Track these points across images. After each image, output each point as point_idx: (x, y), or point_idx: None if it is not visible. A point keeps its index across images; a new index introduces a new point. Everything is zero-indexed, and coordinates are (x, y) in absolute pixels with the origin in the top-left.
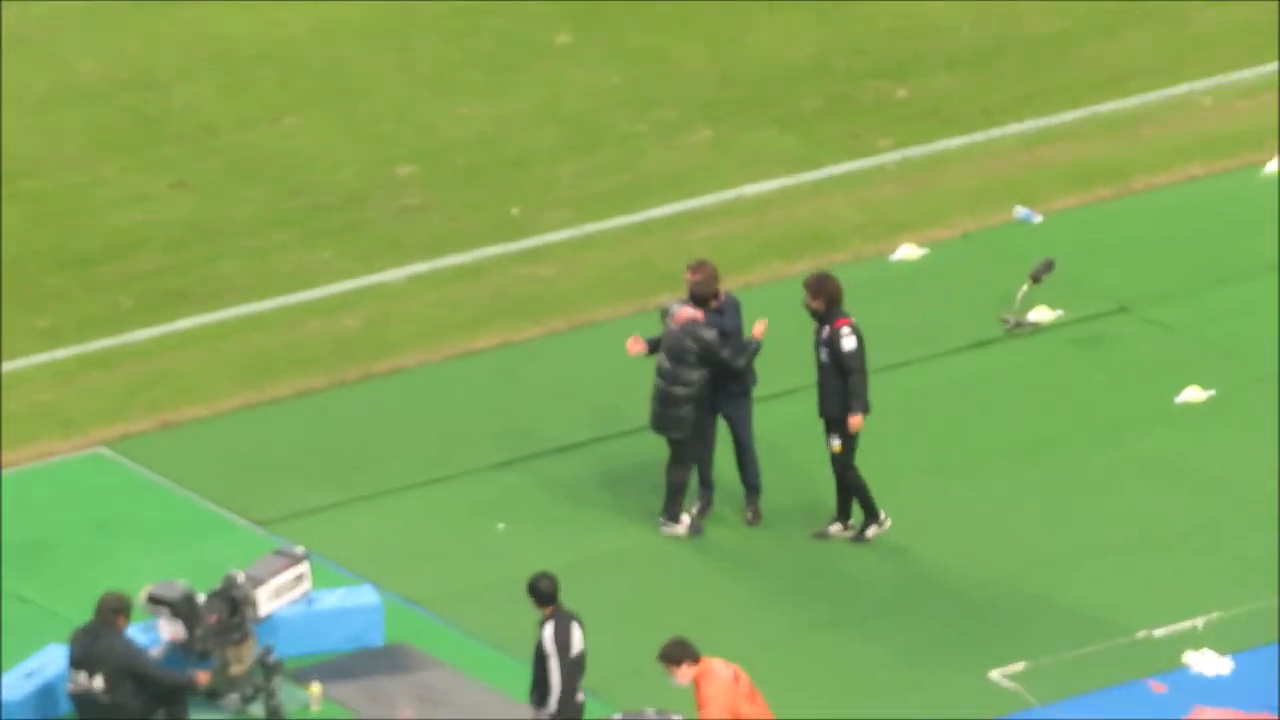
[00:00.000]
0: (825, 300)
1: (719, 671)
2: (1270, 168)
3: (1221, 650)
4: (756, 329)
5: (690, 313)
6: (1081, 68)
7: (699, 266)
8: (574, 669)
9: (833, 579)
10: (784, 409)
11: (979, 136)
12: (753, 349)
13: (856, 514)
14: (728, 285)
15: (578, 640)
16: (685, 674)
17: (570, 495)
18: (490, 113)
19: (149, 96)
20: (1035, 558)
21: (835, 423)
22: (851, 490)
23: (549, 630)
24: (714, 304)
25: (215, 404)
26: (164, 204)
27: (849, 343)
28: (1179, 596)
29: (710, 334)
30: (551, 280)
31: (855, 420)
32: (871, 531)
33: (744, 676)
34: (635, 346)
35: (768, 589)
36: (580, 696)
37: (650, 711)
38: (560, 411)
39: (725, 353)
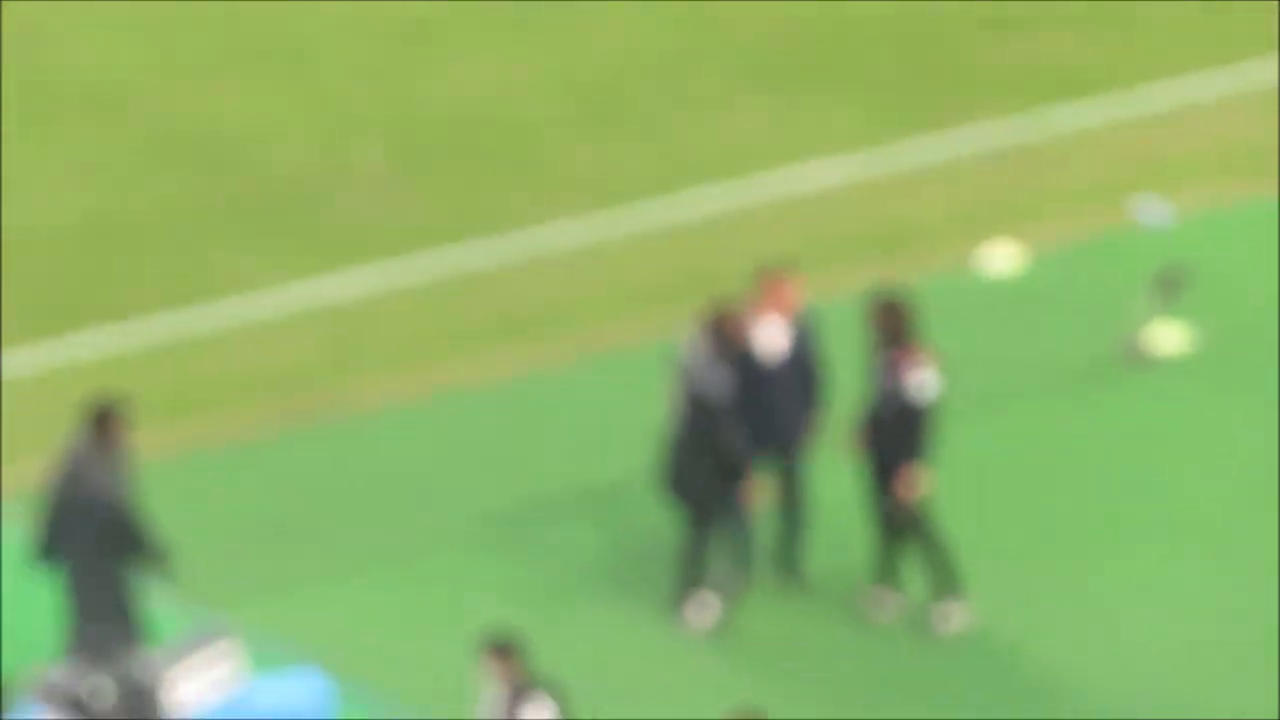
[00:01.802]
0: (893, 325)
1: None
2: None
3: None
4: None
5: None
6: (1233, 24)
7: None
8: None
9: (894, 674)
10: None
11: (1099, 114)
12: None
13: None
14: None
15: (535, 715)
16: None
17: (566, 566)
18: (481, 79)
19: (42, 57)
20: (1185, 656)
21: (895, 473)
22: (933, 557)
23: (496, 699)
24: (730, 337)
25: (138, 442)
26: (67, 193)
27: (921, 379)
28: None
29: (716, 388)
30: (558, 291)
31: (920, 473)
32: (956, 618)
33: None
34: None
35: (806, 690)
36: None
37: None
38: (560, 461)
39: (722, 422)
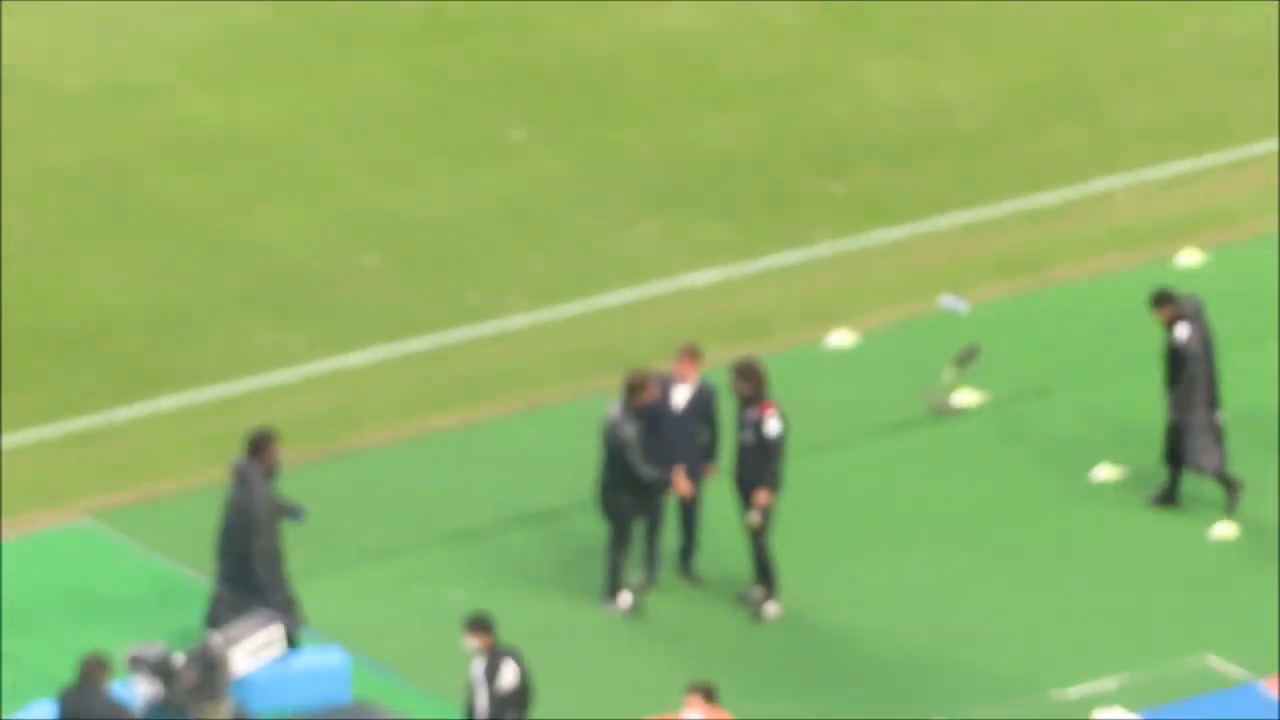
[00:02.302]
0: (752, 384)
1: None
2: (1182, 260)
3: (1131, 709)
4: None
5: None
6: (1006, 163)
7: (632, 374)
8: (502, 703)
9: (757, 651)
10: (719, 485)
11: (908, 229)
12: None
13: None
14: (670, 368)
15: (509, 676)
16: (708, 712)
17: (521, 568)
18: (450, 202)
19: (125, 185)
20: (957, 629)
21: (751, 498)
22: (760, 564)
23: (479, 664)
24: (642, 397)
25: (191, 478)
26: (140, 288)
27: (773, 426)
28: (1092, 660)
29: (628, 433)
30: (508, 363)
31: (763, 497)
32: (770, 610)
33: None
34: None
35: (698, 665)
36: None
37: None
38: (518, 487)
39: (634, 455)
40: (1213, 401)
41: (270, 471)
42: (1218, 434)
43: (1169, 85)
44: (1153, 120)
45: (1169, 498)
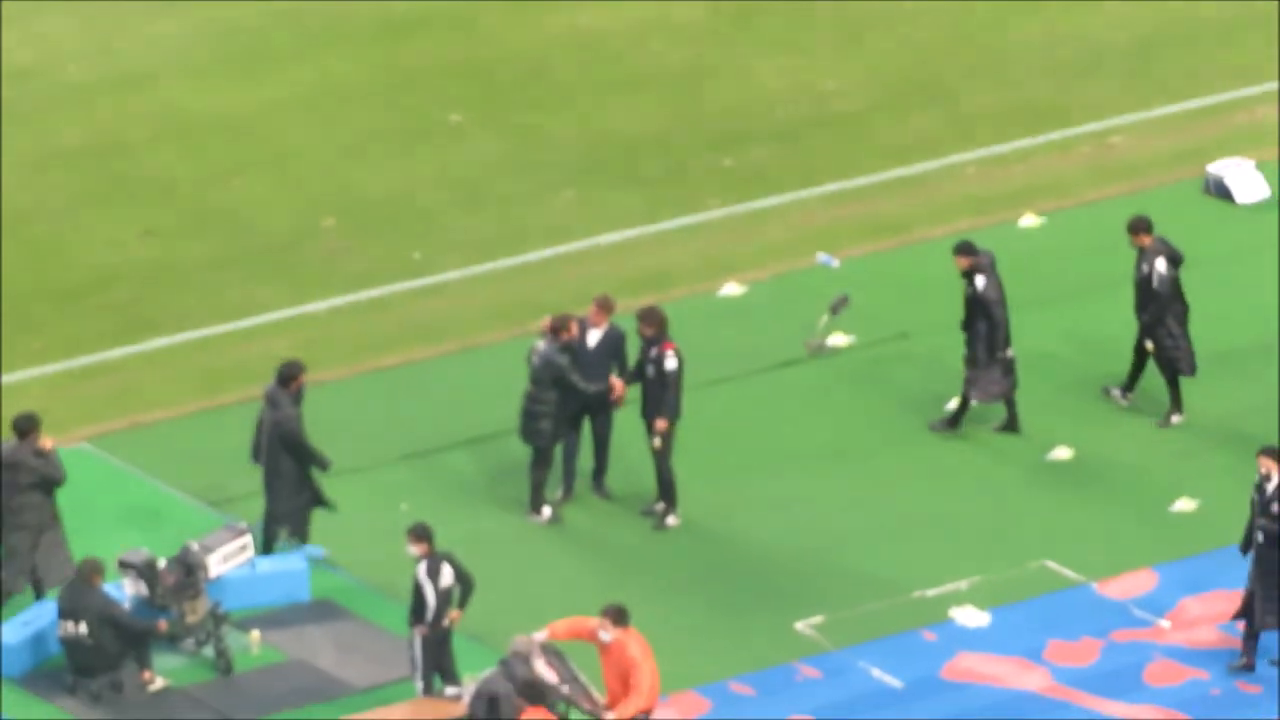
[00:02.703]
0: (654, 327)
1: (641, 638)
2: (1023, 222)
3: (981, 606)
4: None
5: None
6: (874, 141)
7: (556, 317)
8: (443, 598)
9: (661, 556)
10: (627, 414)
11: (790, 197)
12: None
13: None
14: (586, 315)
15: (447, 575)
16: (618, 633)
17: (459, 485)
18: (399, 174)
19: (121, 159)
20: (833, 538)
21: (654, 426)
22: (662, 482)
23: (422, 567)
24: (565, 336)
25: (176, 409)
26: (133, 247)
27: (671, 363)
28: (948, 565)
29: (563, 360)
30: (446, 311)
31: (662, 424)
32: (671, 521)
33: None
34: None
35: (609, 567)
36: (446, 622)
37: (519, 638)
38: (452, 418)
39: (574, 377)
40: (1005, 341)
41: (297, 398)
42: (1007, 367)
43: (1013, 76)
44: (998, 105)
45: (1010, 425)
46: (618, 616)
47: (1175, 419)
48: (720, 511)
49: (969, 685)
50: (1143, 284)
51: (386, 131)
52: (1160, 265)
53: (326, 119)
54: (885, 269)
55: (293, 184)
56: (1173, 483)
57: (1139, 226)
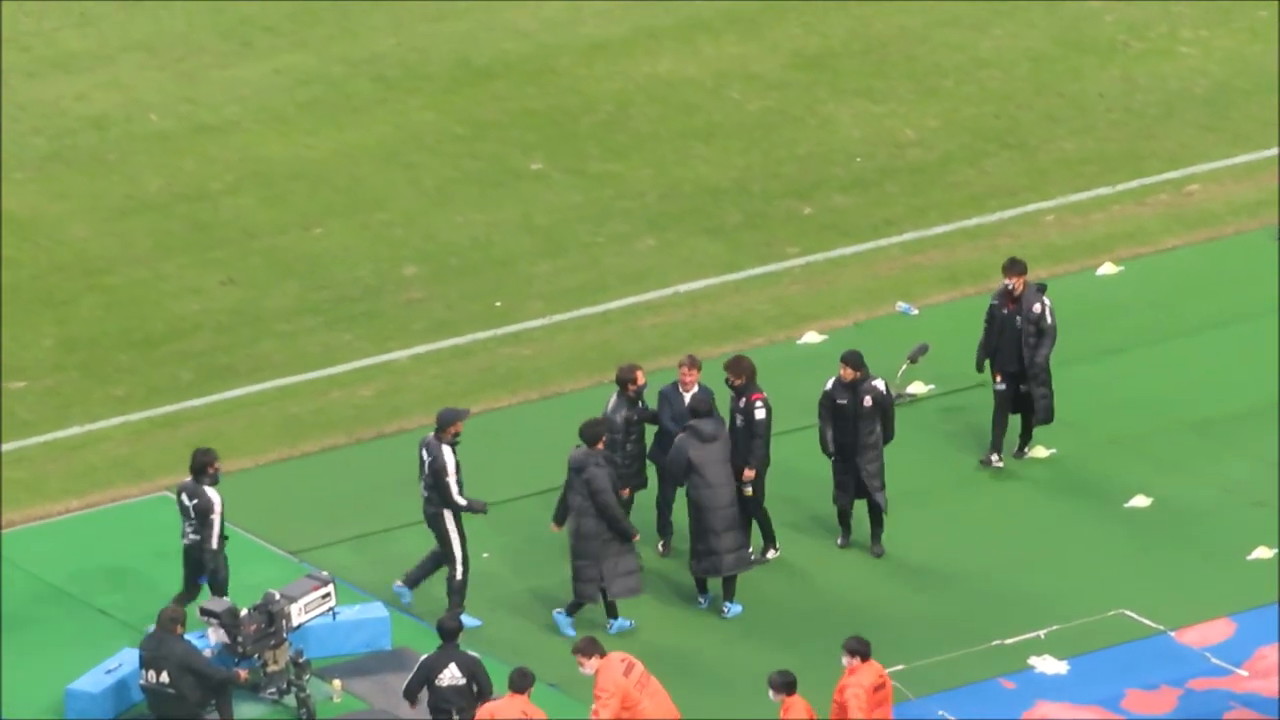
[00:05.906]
0: (743, 377)
1: (614, 664)
2: (1101, 271)
3: (1059, 655)
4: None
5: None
6: (952, 190)
7: (622, 368)
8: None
9: (744, 600)
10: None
11: (868, 245)
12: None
13: (757, 539)
14: (669, 364)
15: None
16: (590, 665)
17: (537, 534)
18: (480, 222)
19: (202, 207)
20: (912, 585)
21: (743, 474)
22: (760, 522)
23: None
24: (631, 390)
25: (256, 457)
26: (214, 296)
27: (760, 413)
28: (1026, 613)
29: (618, 418)
30: (527, 359)
31: (750, 473)
32: (770, 555)
33: (638, 665)
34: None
35: (694, 614)
36: None
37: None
38: (532, 466)
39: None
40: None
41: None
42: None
43: (1090, 125)
44: (1075, 153)
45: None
46: (585, 649)
47: (999, 460)
48: (803, 559)
49: None
50: (1036, 323)
51: (467, 179)
52: (1049, 303)
53: (407, 167)
54: (964, 317)
55: (373, 232)
56: (1250, 531)
57: (1019, 268)
